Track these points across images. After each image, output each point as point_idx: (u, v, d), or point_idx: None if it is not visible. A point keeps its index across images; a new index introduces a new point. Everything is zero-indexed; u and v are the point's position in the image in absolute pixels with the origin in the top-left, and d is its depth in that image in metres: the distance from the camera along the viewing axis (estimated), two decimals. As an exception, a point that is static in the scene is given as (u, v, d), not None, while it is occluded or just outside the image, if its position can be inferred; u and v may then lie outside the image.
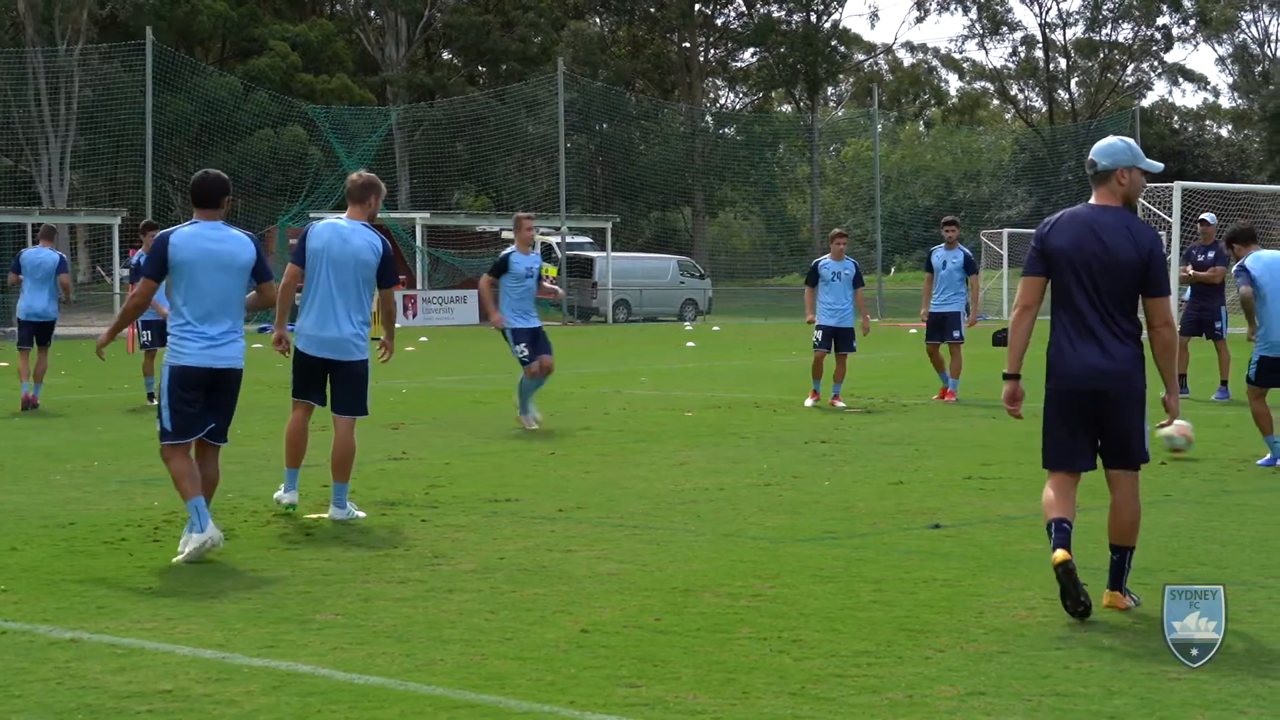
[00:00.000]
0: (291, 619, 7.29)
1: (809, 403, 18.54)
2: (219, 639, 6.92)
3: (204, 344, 8.99)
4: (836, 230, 19.48)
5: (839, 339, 18.91)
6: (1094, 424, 7.42)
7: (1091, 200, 7.53)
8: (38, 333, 19.17)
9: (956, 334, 19.49)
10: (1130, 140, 7.53)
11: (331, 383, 10.41)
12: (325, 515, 10.27)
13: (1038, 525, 9.56)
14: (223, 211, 9.25)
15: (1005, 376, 7.66)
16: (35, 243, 20.22)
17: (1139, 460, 7.41)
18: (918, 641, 6.78)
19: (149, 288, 9.22)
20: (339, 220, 10.45)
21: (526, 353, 16.03)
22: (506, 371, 25.93)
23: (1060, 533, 7.20)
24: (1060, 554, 7.10)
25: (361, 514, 10.36)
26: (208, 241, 9.08)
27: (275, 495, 10.50)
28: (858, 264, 19.16)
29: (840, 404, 18.44)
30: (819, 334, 18.95)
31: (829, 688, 6.05)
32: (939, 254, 19.82)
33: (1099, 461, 7.52)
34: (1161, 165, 7.73)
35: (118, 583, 8.18)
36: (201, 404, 9.04)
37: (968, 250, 19.79)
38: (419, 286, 52.59)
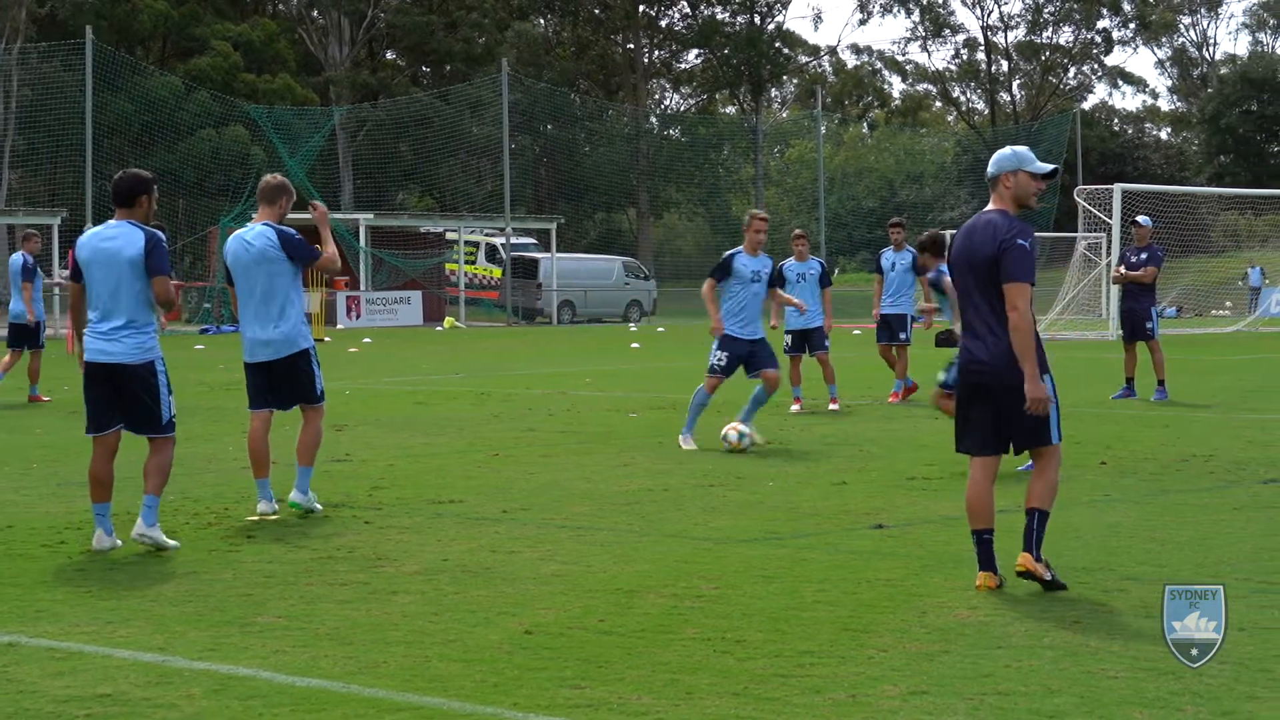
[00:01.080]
0: (233, 622, 7.24)
1: (794, 409, 18.03)
2: (159, 642, 6.87)
3: (97, 340, 9.15)
4: (797, 231, 19.08)
5: (810, 340, 18.66)
6: (989, 413, 7.93)
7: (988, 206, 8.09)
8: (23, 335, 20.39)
9: (903, 335, 19.56)
10: (1019, 148, 8.01)
11: (280, 382, 10.52)
12: (269, 515, 10.22)
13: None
14: (139, 210, 9.27)
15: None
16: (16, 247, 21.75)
17: (1044, 441, 7.90)
18: (861, 641, 6.81)
19: (73, 290, 9.50)
20: (242, 230, 10.65)
21: (724, 361, 14.54)
22: (450, 373, 25.87)
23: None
24: None
25: (320, 506, 10.43)
26: (99, 240, 9.24)
27: (252, 516, 10.34)
28: (823, 263, 19.00)
29: (835, 406, 18.12)
30: (788, 339, 18.65)
31: (772, 688, 6.06)
32: (888, 256, 19.89)
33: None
34: (1050, 166, 8.04)
35: (56, 586, 8.10)
36: (106, 399, 9.18)
37: (915, 251, 19.80)
38: (362, 287, 52.37)
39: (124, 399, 9.16)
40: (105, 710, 5.82)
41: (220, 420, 17.02)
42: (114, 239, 9.18)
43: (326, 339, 38.71)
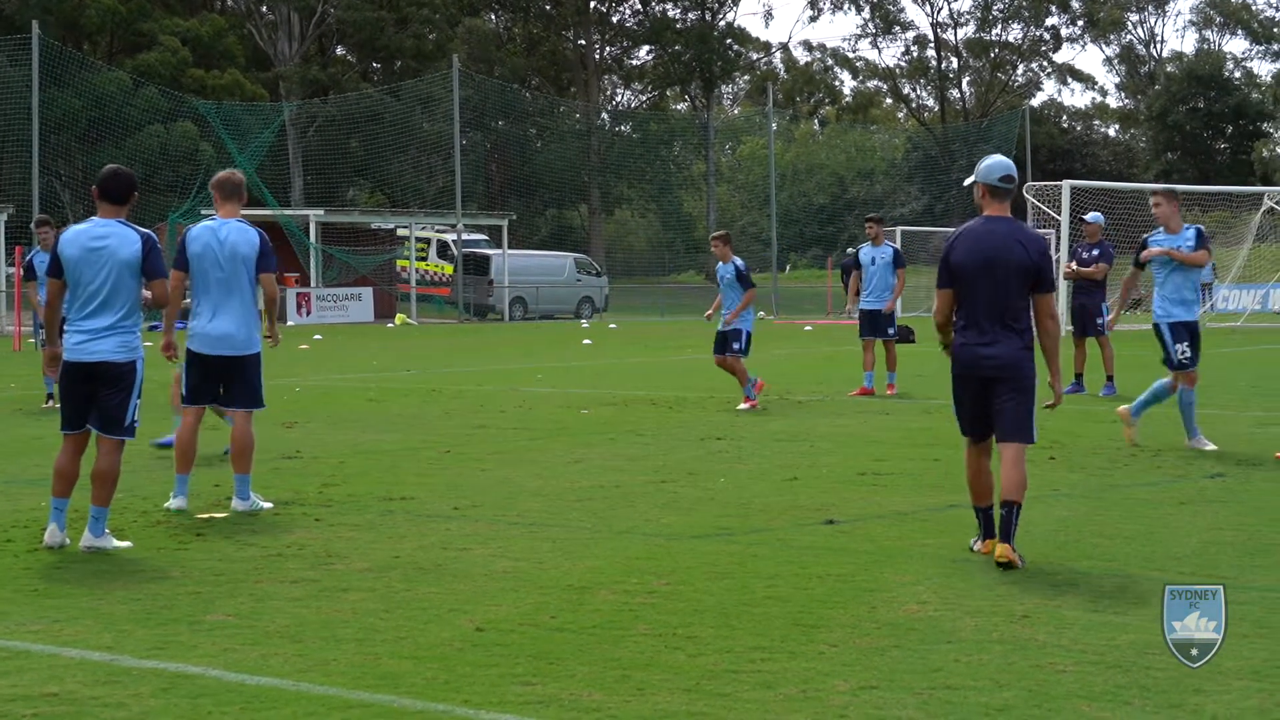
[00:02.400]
0: (182, 620, 7.21)
1: (743, 407, 17.80)
2: (107, 641, 6.83)
3: (79, 338, 9.04)
4: (715, 234, 18.52)
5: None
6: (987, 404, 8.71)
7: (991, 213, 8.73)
8: None
9: (891, 330, 19.59)
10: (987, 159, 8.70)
11: (227, 380, 10.50)
12: (220, 515, 10.18)
13: (930, 520, 9.67)
14: (126, 208, 9.23)
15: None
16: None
17: (1028, 438, 8.60)
18: (811, 636, 6.83)
19: (51, 286, 9.26)
20: (212, 221, 10.57)
21: (1189, 354, 13.57)
22: (401, 370, 25.80)
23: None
24: None
25: (267, 504, 10.45)
26: (89, 239, 9.10)
27: (166, 505, 10.39)
28: (739, 265, 18.13)
29: (744, 406, 17.85)
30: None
31: (724, 683, 6.08)
32: (866, 251, 19.93)
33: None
34: (971, 179, 8.78)
35: (2, 584, 8.03)
36: (83, 398, 9.08)
37: (895, 245, 19.91)
38: (313, 284, 52.13)
39: (99, 397, 9.06)
40: (52, 710, 5.78)
41: (170, 417, 16.89)
42: (105, 239, 9.07)
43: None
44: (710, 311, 18.47)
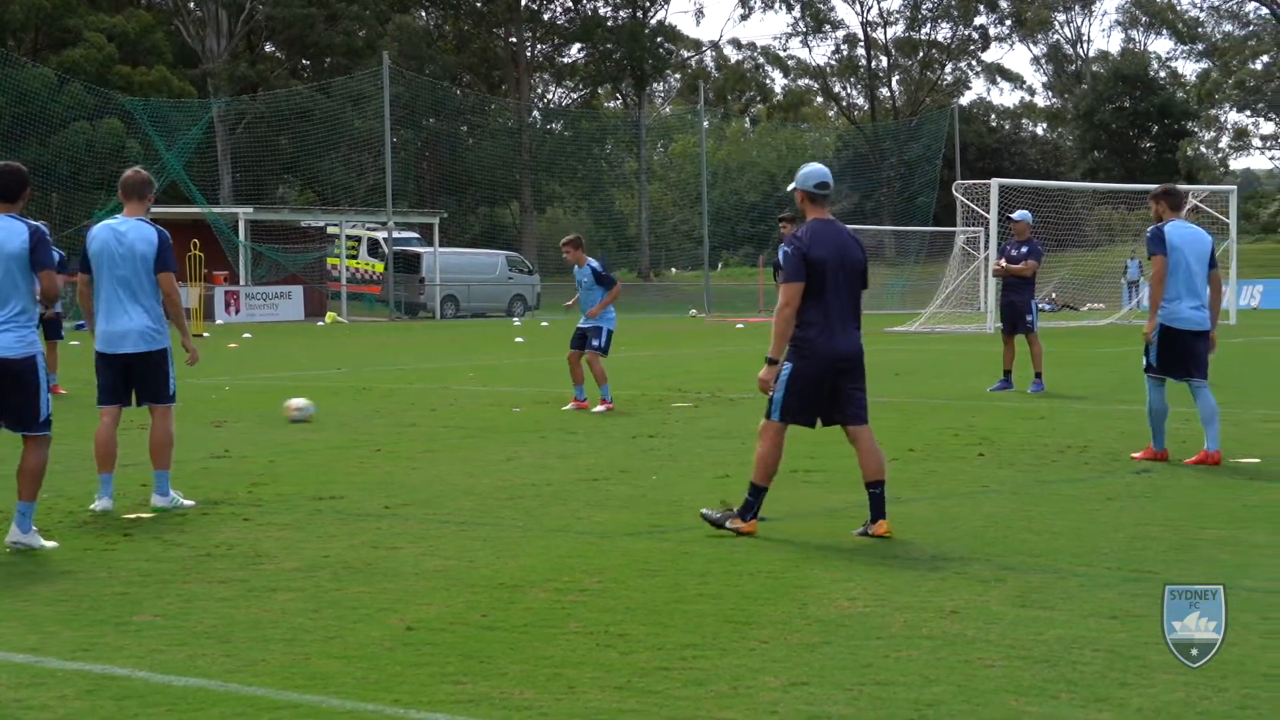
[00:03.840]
0: (108, 621, 7.14)
1: (568, 407, 17.76)
2: (32, 643, 6.75)
3: None
4: (565, 239, 18.48)
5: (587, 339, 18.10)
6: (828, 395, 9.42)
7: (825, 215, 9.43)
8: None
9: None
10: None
11: (135, 377, 10.48)
12: (147, 515, 10.10)
13: (860, 516, 9.71)
14: (18, 205, 9.12)
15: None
16: None
17: (865, 420, 9.37)
18: (742, 633, 6.85)
19: None
20: (114, 220, 10.51)
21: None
22: (331, 368, 25.65)
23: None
24: None
25: (189, 502, 10.38)
26: None
27: (91, 506, 10.29)
28: (595, 266, 18.11)
29: (600, 409, 17.43)
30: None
31: (655, 681, 6.08)
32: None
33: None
34: (793, 185, 9.46)
35: (-75, 588, 7.93)
36: None
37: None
38: (242, 282, 51.77)
39: (4, 395, 8.95)
40: (-24, 713, 5.70)
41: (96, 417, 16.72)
42: None
43: (205, 334, 38.23)
44: (569, 303, 19.10)
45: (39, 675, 6.21)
